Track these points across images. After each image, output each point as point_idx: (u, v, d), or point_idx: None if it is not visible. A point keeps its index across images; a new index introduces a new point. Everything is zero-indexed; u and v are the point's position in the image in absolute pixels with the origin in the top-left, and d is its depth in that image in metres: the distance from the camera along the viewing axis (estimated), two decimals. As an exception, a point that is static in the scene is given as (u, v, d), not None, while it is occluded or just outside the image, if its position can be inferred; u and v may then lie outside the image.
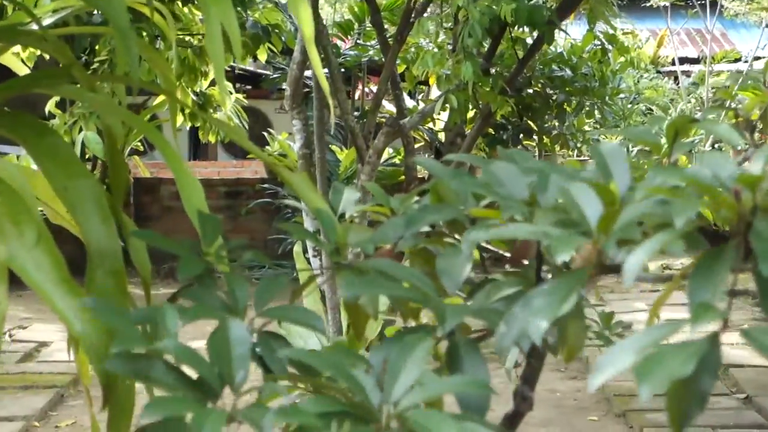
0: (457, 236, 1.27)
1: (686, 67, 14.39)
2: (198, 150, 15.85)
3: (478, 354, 1.05)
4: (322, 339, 4.25)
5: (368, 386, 0.95)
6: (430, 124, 9.55)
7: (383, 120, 5.19)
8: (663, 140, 1.29)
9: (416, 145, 9.06)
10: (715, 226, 0.95)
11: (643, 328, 0.81)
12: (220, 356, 1.03)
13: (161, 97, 7.53)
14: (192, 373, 1.04)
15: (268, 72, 10.83)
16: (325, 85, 1.52)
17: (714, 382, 0.79)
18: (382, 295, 1.26)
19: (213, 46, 1.30)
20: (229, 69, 10.62)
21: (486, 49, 5.77)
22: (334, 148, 9.79)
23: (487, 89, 5.36)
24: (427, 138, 9.72)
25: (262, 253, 1.44)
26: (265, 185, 10.58)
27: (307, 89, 7.16)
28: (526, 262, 1.27)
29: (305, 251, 5.12)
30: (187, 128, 9.73)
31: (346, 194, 1.46)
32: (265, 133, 9.72)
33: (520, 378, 1.22)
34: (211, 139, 8.28)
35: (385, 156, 9.67)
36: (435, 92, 6.42)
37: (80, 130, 7.92)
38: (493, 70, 5.78)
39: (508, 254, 1.32)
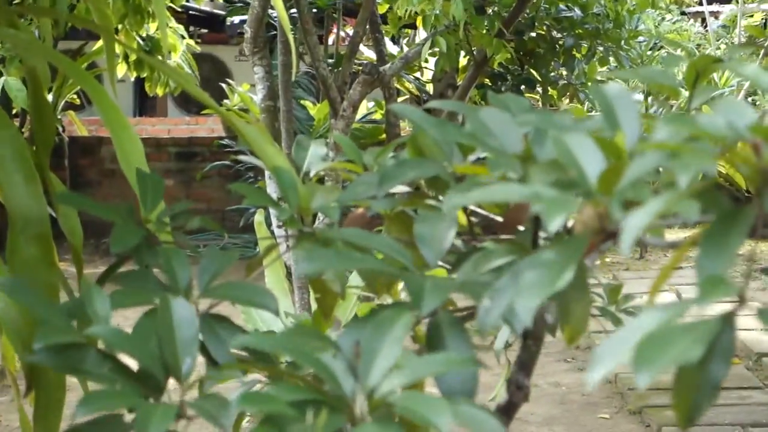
0: (441, 197, 1.25)
1: (714, 7, 14.37)
2: (145, 105, 15.78)
3: (465, 334, 1.04)
4: (288, 323, 4.24)
5: (339, 372, 0.93)
6: (417, 74, 9.53)
7: (361, 69, 5.17)
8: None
9: (401, 99, 9.05)
10: (748, 193, 0.92)
11: (646, 309, 0.79)
12: (163, 342, 1.01)
13: (101, 43, 7.46)
14: (133, 364, 1.03)
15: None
16: (286, 23, 1.51)
17: (728, 369, 0.78)
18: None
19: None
20: (181, 9, 10.55)
21: (481, -16, 5.75)
22: (306, 103, 9.75)
23: (482, 31, 5.34)
24: (413, 90, 9.71)
25: (217, 223, 1.43)
26: (224, 143, 10.54)
27: (273, 32, 7.13)
28: (521, 228, 1.27)
29: (269, 223, 5.10)
30: (132, 80, 9.67)
31: (311, 149, 1.45)
32: (224, 85, 9.68)
33: (515, 363, 1.22)
34: (159, 92, 8.23)
35: (364, 111, 9.65)
36: (422, 36, 6.39)
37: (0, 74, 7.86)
38: (489, 10, 5.76)
39: (500, 219, 1.32)
